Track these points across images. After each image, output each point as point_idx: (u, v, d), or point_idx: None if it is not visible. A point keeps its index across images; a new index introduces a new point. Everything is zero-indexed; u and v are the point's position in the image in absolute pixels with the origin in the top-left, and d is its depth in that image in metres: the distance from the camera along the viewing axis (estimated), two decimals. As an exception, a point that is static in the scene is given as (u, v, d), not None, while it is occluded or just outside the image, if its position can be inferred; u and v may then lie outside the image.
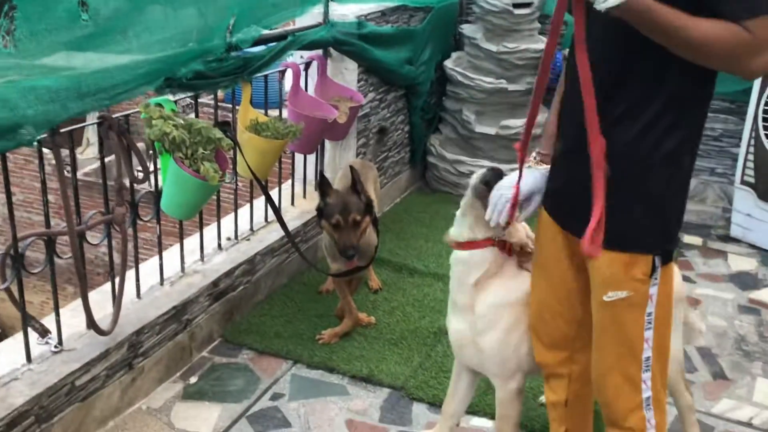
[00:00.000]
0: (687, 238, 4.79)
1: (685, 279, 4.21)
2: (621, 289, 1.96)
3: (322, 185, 3.31)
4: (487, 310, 2.40)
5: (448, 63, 5.27)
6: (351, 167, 3.38)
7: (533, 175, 2.20)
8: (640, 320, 1.98)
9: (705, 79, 1.86)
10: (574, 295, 2.18)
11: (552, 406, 2.44)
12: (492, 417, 2.96)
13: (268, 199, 3.33)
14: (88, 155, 12.51)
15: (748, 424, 3.00)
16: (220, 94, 3.70)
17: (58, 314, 2.78)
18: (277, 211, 3.30)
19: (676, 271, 2.33)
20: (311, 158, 4.38)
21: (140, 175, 2.95)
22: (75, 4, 2.32)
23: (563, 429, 2.45)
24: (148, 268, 3.35)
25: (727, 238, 4.80)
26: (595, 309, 2.06)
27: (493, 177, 2.27)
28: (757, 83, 4.45)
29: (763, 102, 4.44)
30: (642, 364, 2.03)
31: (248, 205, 3.90)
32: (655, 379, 2.06)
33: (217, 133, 2.82)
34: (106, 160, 2.98)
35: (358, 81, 4.34)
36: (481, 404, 3.02)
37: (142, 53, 2.60)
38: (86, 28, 2.38)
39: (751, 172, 4.59)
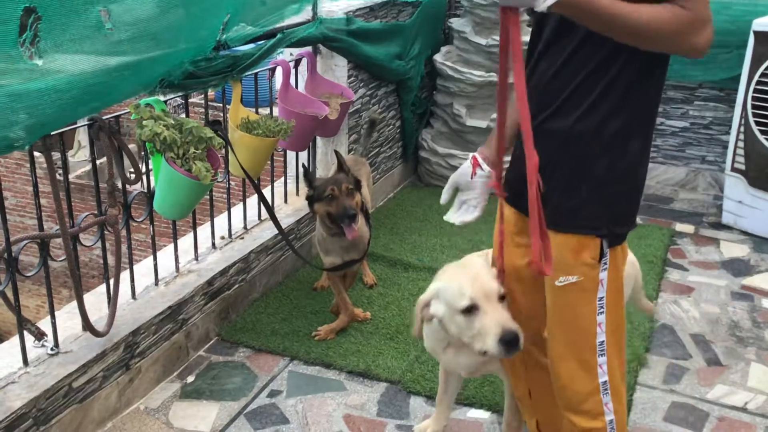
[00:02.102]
0: (679, 226, 4.81)
1: (678, 266, 4.24)
2: (571, 274, 1.97)
3: (306, 175, 3.36)
4: None
5: (438, 57, 5.28)
6: (336, 152, 3.42)
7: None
8: (592, 305, 2.00)
9: (649, 64, 1.87)
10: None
11: (519, 401, 2.49)
12: (488, 408, 2.99)
13: (261, 198, 3.34)
14: (79, 158, 12.51)
15: (743, 409, 3.02)
16: (211, 93, 3.70)
17: (53, 317, 2.78)
18: (270, 210, 3.31)
19: (631, 257, 2.39)
20: (303, 156, 4.38)
21: (132, 176, 2.96)
22: (98, 13, 2.31)
23: (534, 421, 2.47)
24: (143, 268, 3.35)
25: (719, 226, 4.83)
26: (548, 294, 2.08)
27: None
28: (745, 71, 4.47)
29: (751, 89, 4.46)
30: (596, 348, 2.05)
31: (241, 203, 3.91)
32: (612, 365, 2.07)
33: (209, 133, 2.82)
34: (98, 162, 2.98)
35: (349, 77, 4.34)
36: (478, 396, 3.03)
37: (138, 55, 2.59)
38: (111, 35, 2.37)
39: (742, 159, 4.61)
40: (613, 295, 2.01)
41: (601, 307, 2.00)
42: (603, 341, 2.04)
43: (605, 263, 1.97)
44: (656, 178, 5.50)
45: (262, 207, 3.98)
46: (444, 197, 2.25)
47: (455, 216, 2.21)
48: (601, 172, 1.91)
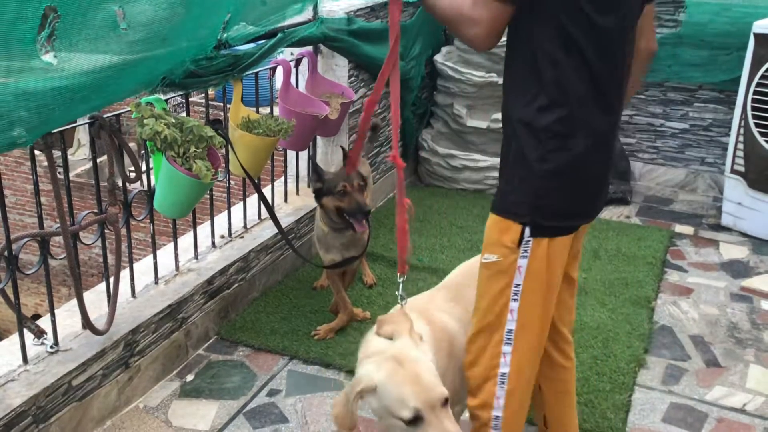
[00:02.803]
0: (678, 228, 4.82)
1: (677, 268, 4.25)
2: (493, 253, 2.06)
3: (316, 169, 3.33)
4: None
5: (438, 57, 5.28)
6: (342, 147, 3.42)
7: None
8: (506, 290, 2.05)
9: (575, 66, 1.90)
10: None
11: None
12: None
13: (261, 197, 3.34)
14: (79, 156, 12.49)
15: (742, 411, 3.03)
16: (211, 92, 3.70)
17: (53, 315, 2.79)
18: (270, 209, 3.30)
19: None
20: (303, 155, 4.38)
21: (132, 175, 2.96)
22: (113, 13, 2.31)
23: (542, 415, 2.49)
24: (143, 267, 3.36)
25: (719, 227, 4.83)
26: (479, 269, 2.15)
27: None
28: (745, 72, 4.48)
29: (751, 91, 4.46)
30: (504, 336, 2.08)
31: (241, 202, 3.91)
32: (518, 362, 2.09)
33: (209, 131, 2.82)
34: (98, 160, 2.98)
35: (349, 77, 4.34)
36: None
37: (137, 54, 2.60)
38: (125, 36, 2.37)
39: (741, 161, 4.62)
40: (531, 287, 2.04)
41: (516, 295, 2.05)
42: (511, 330, 2.07)
43: (525, 251, 2.01)
44: (656, 180, 5.51)
45: (262, 206, 3.99)
46: None
47: None
48: (533, 163, 1.97)
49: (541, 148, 1.95)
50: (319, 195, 3.32)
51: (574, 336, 2.49)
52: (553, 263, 2.05)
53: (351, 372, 3.23)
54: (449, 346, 2.24)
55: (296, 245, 4.03)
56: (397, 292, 2.22)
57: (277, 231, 3.86)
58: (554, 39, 1.87)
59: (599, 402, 3.00)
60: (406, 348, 1.99)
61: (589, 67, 1.90)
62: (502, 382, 2.10)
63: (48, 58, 2.12)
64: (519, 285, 2.04)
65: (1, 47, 2.04)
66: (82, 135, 12.70)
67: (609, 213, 5.02)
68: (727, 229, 4.79)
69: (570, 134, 1.94)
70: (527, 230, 2.00)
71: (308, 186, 4.48)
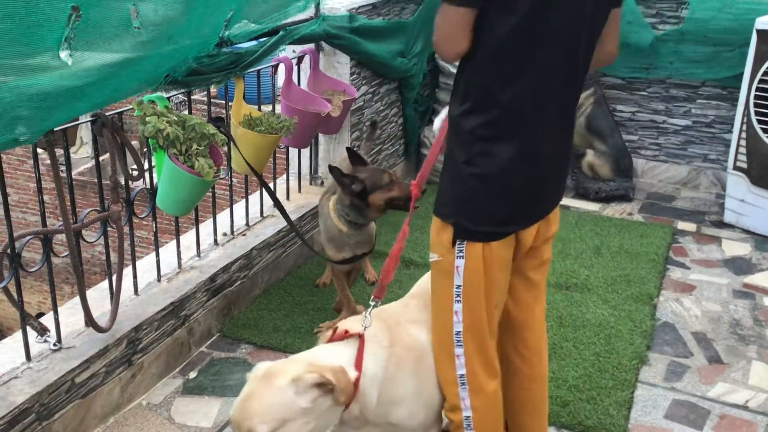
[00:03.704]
0: (681, 225, 4.81)
1: (680, 265, 4.25)
2: (435, 252, 2.10)
3: (343, 174, 3.18)
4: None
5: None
6: (347, 148, 3.40)
7: None
8: (449, 289, 2.06)
9: (503, 73, 1.90)
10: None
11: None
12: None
13: (267, 190, 3.31)
14: (81, 154, 12.52)
15: (744, 407, 3.03)
16: (213, 90, 3.71)
17: (56, 312, 2.79)
18: (277, 201, 3.26)
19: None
20: (306, 153, 4.39)
21: (135, 173, 2.96)
22: (128, 12, 2.32)
23: (504, 420, 2.44)
24: (145, 264, 3.36)
25: (721, 224, 4.83)
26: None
27: None
28: (748, 68, 4.47)
29: (754, 88, 4.45)
30: (453, 338, 2.09)
31: (243, 200, 3.92)
32: (471, 361, 2.10)
33: (211, 129, 2.82)
34: (101, 158, 2.99)
35: (351, 74, 4.34)
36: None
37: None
38: (138, 35, 2.38)
39: (744, 158, 4.61)
40: (470, 290, 2.05)
41: (458, 296, 2.06)
42: (459, 332, 2.08)
43: (460, 251, 2.02)
44: (658, 176, 5.50)
45: (264, 204, 3.99)
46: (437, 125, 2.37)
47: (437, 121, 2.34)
48: (460, 165, 1.99)
49: (467, 151, 1.97)
50: (363, 195, 3.20)
51: (546, 346, 2.42)
52: (490, 267, 2.03)
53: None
54: (416, 365, 2.15)
55: (300, 242, 4.03)
56: (365, 314, 2.16)
57: (279, 228, 3.88)
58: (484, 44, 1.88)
59: (601, 399, 3.00)
60: (282, 367, 1.92)
61: (520, 75, 1.88)
62: (463, 383, 2.11)
63: (64, 56, 2.14)
64: (460, 286, 2.05)
65: (26, 45, 2.06)
66: (85, 133, 12.72)
67: (611, 210, 5.02)
68: (729, 226, 4.78)
69: (495, 139, 1.93)
70: (456, 231, 2.02)
71: (310, 184, 4.48)
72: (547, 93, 1.93)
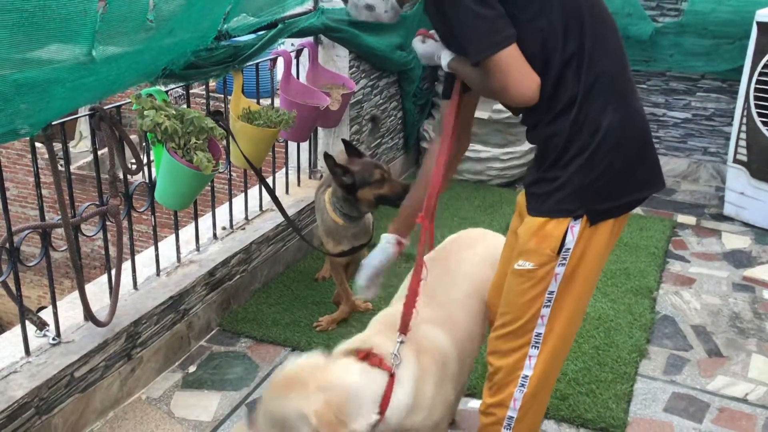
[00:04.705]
0: (681, 218, 4.81)
1: (679, 258, 4.25)
2: (527, 260, 2.04)
3: (336, 164, 3.21)
4: None
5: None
6: (343, 140, 3.40)
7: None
8: (539, 297, 2.04)
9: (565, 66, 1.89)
10: None
11: None
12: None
13: (265, 186, 3.31)
14: (81, 148, 12.50)
15: (744, 400, 3.03)
16: (212, 83, 3.69)
17: (55, 306, 2.79)
18: (274, 197, 3.27)
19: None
20: (305, 146, 4.38)
21: (134, 167, 2.95)
22: (146, 4, 2.32)
23: None
24: (144, 259, 3.36)
25: (721, 217, 4.82)
26: None
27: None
28: (748, 61, 4.46)
29: (754, 80, 4.44)
30: (532, 337, 2.06)
31: (242, 194, 3.91)
32: (540, 365, 2.05)
33: (210, 123, 2.81)
34: (100, 152, 2.98)
35: (350, 68, 4.33)
36: (479, 386, 3.03)
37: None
38: (149, 30, 2.38)
39: (744, 151, 4.61)
40: (567, 294, 2.02)
41: (549, 301, 2.01)
42: (540, 334, 2.03)
43: (564, 259, 1.98)
44: (658, 170, 5.49)
45: (264, 197, 3.99)
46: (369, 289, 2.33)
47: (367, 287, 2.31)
48: (569, 160, 1.96)
49: (579, 142, 1.95)
50: (352, 189, 3.22)
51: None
52: (604, 252, 2.03)
53: (353, 363, 3.23)
54: (440, 371, 2.09)
55: (299, 237, 4.03)
56: (394, 352, 2.00)
57: (278, 222, 3.87)
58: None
59: (601, 392, 3.00)
60: (305, 381, 1.87)
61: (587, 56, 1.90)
62: (522, 385, 2.07)
63: (94, 52, 2.15)
64: (552, 292, 2.00)
65: (62, 39, 2.06)
66: (84, 127, 12.69)
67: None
68: (729, 219, 4.78)
69: (596, 113, 1.94)
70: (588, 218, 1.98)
71: (309, 178, 4.47)
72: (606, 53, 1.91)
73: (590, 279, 2.03)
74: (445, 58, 2.08)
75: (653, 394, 3.06)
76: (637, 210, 4.91)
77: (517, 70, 1.81)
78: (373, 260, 2.32)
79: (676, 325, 3.56)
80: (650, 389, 3.09)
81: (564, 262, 1.95)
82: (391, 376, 1.96)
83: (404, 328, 2.06)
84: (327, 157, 3.20)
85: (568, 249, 1.94)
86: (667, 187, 5.26)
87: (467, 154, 5.16)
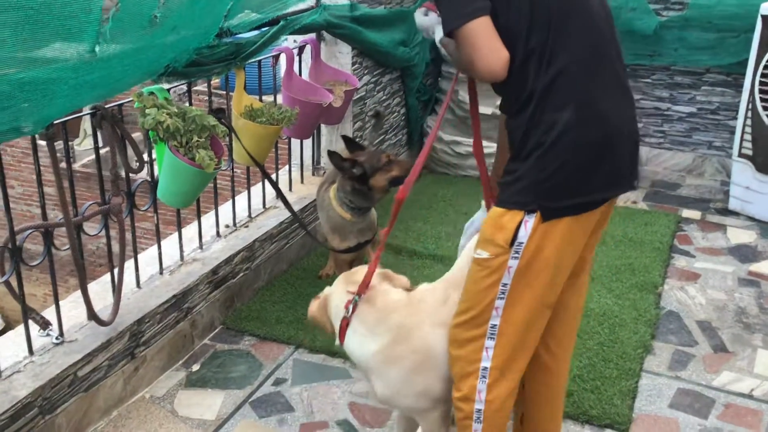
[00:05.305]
0: (686, 212, 4.79)
1: (684, 253, 4.23)
2: (483, 249, 2.09)
3: (342, 158, 3.23)
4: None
5: (444, 48, 5.24)
6: (343, 136, 3.42)
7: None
8: (493, 287, 2.07)
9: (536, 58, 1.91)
10: None
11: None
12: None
13: (270, 181, 3.30)
14: (85, 146, 12.50)
15: (749, 396, 3.01)
16: (215, 81, 3.69)
17: (58, 306, 2.79)
18: (279, 192, 3.25)
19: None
20: (308, 143, 4.37)
21: (136, 165, 2.95)
22: (154, 1, 2.32)
23: (520, 413, 2.45)
24: (147, 257, 3.35)
25: (726, 211, 4.80)
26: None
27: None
28: (753, 54, 4.43)
29: (759, 74, 4.42)
30: (488, 329, 2.08)
31: (246, 192, 3.90)
32: (498, 357, 2.07)
33: (212, 121, 2.81)
34: (102, 151, 2.97)
35: (353, 64, 4.32)
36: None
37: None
38: (153, 26, 2.37)
39: (749, 145, 4.58)
40: (520, 287, 2.05)
41: (503, 293, 2.03)
42: (495, 325, 2.04)
43: (516, 253, 2.00)
44: (663, 164, 5.47)
45: (267, 195, 3.98)
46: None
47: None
48: (529, 152, 1.98)
49: (535, 136, 1.98)
50: (363, 179, 3.23)
51: (574, 342, 2.41)
52: (560, 250, 2.04)
53: (357, 360, 3.23)
54: (414, 364, 2.21)
55: (302, 234, 4.02)
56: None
57: (282, 220, 3.86)
58: None
59: (606, 388, 2.99)
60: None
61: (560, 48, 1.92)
62: (483, 377, 2.08)
63: (98, 49, 2.15)
64: (506, 284, 2.02)
65: (63, 38, 2.06)
66: (88, 125, 12.70)
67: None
68: (734, 214, 4.76)
69: (554, 109, 1.95)
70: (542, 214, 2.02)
71: (313, 175, 4.47)
72: (587, 52, 1.91)
73: (549, 275, 2.01)
74: (438, 33, 2.13)
75: (658, 390, 3.05)
76: (642, 204, 4.89)
77: (485, 44, 1.82)
78: (477, 221, 2.44)
79: (681, 321, 3.54)
80: (655, 385, 3.07)
81: (517, 255, 1.96)
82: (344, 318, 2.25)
83: (363, 288, 2.24)
84: (332, 154, 3.22)
85: (521, 243, 1.95)
86: (672, 181, 5.28)
87: (470, 149, 5.17)
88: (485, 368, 2.07)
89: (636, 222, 4.54)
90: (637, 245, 4.23)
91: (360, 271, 2.34)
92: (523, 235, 1.94)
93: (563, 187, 1.92)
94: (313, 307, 2.38)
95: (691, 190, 5.17)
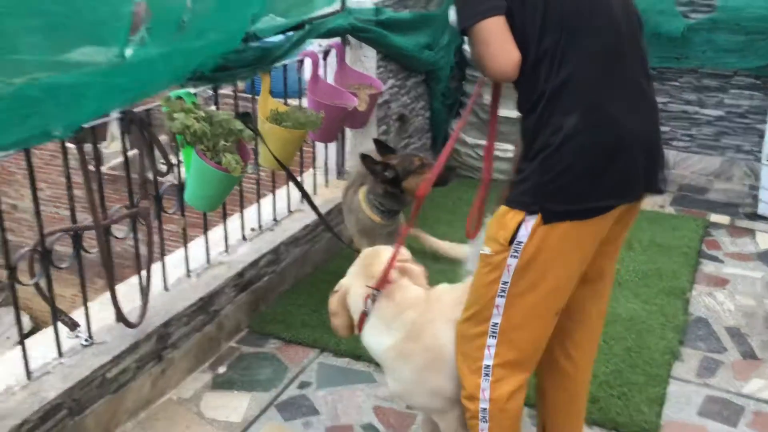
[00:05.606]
0: (714, 217, 4.73)
1: (713, 258, 4.19)
2: (487, 246, 2.10)
3: (374, 161, 3.24)
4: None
5: (468, 47, 5.24)
6: (375, 140, 3.42)
7: None
8: (494, 284, 2.07)
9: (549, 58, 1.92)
10: None
11: (537, 398, 2.44)
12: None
13: (296, 184, 3.31)
14: (114, 149, 12.63)
15: (780, 404, 2.97)
16: (240, 84, 3.71)
17: (87, 308, 2.82)
18: (305, 194, 3.26)
19: None
20: (332, 147, 4.38)
21: (163, 168, 2.97)
22: (182, 6, 2.35)
23: (542, 423, 2.44)
24: (175, 260, 3.38)
25: (755, 216, 4.74)
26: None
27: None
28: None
29: (789, 77, 4.36)
30: (489, 327, 2.08)
31: (271, 195, 3.92)
32: (501, 355, 2.06)
33: (238, 125, 2.83)
34: (130, 153, 3.00)
35: (377, 68, 4.32)
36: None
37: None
38: (181, 30, 2.40)
39: (779, 149, 4.52)
40: (520, 288, 2.05)
41: (503, 291, 2.03)
42: (497, 324, 2.04)
43: (515, 251, 2.01)
44: (690, 168, 5.41)
45: (292, 198, 3.99)
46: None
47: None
48: (536, 154, 1.99)
49: (542, 138, 1.99)
50: (396, 182, 3.24)
51: (596, 348, 2.39)
52: (562, 254, 2.04)
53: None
54: (426, 362, 2.24)
55: (326, 238, 4.03)
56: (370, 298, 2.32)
57: (307, 223, 3.88)
58: None
59: (633, 395, 2.97)
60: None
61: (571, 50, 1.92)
62: (486, 375, 2.07)
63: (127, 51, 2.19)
64: (506, 282, 2.02)
65: (94, 42, 2.10)
66: (115, 128, 12.84)
67: (643, 202, 4.93)
68: (763, 218, 4.69)
69: (561, 114, 1.95)
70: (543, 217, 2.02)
71: (337, 178, 4.48)
72: (603, 59, 1.90)
73: (552, 279, 1.99)
74: None
75: (687, 397, 3.01)
76: (669, 209, 4.84)
77: (496, 43, 1.84)
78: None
79: (709, 327, 3.50)
80: (684, 392, 3.04)
81: (516, 254, 1.96)
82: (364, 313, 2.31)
83: (382, 283, 2.28)
84: (364, 157, 3.22)
85: (520, 242, 1.94)
86: (699, 185, 5.22)
87: (494, 153, 5.15)
88: (488, 366, 2.07)
89: (663, 227, 4.50)
90: (664, 250, 4.19)
91: (377, 263, 2.35)
92: (523, 234, 1.94)
93: (566, 191, 1.91)
94: (333, 301, 2.42)
95: (720, 194, 5.11)
